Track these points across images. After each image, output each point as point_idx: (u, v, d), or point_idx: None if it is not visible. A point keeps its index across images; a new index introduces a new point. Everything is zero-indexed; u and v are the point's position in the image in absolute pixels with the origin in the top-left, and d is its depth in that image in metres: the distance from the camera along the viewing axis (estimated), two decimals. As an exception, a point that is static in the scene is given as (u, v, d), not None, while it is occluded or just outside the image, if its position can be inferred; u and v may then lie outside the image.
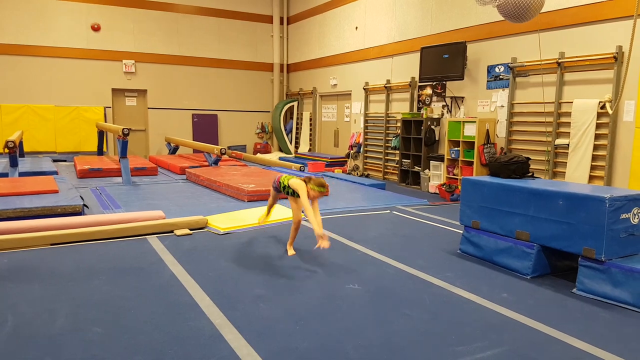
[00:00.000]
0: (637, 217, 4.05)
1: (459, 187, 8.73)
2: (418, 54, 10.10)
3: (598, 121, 7.18)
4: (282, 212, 6.72)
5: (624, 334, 3.35)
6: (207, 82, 15.23)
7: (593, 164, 7.27)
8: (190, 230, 5.81)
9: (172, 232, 5.75)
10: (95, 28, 13.65)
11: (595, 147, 7.23)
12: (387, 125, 11.61)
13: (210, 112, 15.39)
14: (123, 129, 9.20)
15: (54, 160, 12.10)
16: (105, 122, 13.59)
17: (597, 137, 7.22)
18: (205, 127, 15.26)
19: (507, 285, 4.25)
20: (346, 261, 4.84)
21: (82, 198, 6.85)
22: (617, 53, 6.90)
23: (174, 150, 13.89)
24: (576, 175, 7.38)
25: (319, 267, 4.65)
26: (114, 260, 4.70)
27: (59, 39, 13.29)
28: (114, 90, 14.10)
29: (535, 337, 3.25)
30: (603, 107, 7.11)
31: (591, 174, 7.28)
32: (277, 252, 5.11)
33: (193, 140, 14.36)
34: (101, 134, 12.78)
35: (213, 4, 15.03)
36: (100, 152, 12.99)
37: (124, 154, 9.37)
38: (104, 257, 4.82)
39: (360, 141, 12.51)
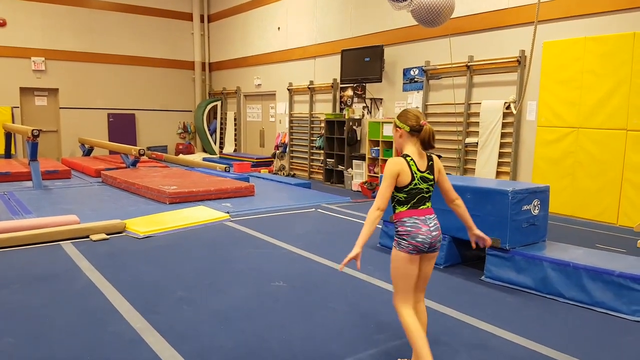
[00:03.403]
0: (537, 208, 4.42)
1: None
2: (339, 56, 10.33)
3: (504, 121, 7.73)
4: (205, 214, 6.65)
5: (526, 315, 3.66)
6: (123, 81, 14.65)
7: (500, 160, 7.82)
8: (107, 235, 5.60)
9: (87, 237, 5.52)
10: (0, 23, 12.72)
11: (502, 145, 7.79)
12: (312, 125, 11.77)
13: (127, 111, 14.82)
14: (32, 130, 8.67)
15: (-47, 165, 11.13)
16: (13, 122, 12.69)
17: (503, 135, 7.77)
18: (122, 127, 14.67)
19: (423, 276, 4.49)
20: (272, 260, 4.89)
21: (-14, 204, 6.40)
22: (520, 57, 7.47)
23: (88, 152, 13.26)
24: (485, 171, 7.90)
25: (244, 267, 4.66)
26: (25, 268, 4.45)
27: (-43, 33, 12.28)
28: (22, 89, 13.22)
29: (448, 322, 3.48)
30: (508, 107, 7.66)
31: (498, 169, 7.83)
32: (200, 254, 5.06)
33: (109, 141, 13.76)
34: (8, 136, 11.92)
35: (128, 0, 14.48)
36: (7, 155, 12.12)
37: (33, 156, 8.84)
38: (14, 265, 4.55)
39: (286, 141, 12.59)
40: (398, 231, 2.61)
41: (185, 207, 7.09)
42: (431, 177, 2.63)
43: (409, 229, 2.57)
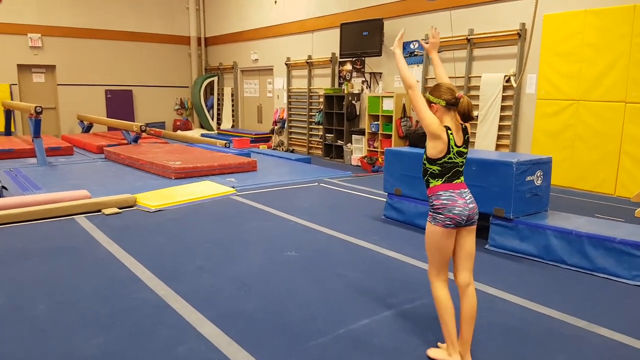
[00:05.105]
0: (540, 179, 4.57)
1: (380, 159, 9.17)
2: (338, 30, 10.32)
3: (504, 94, 7.83)
4: (212, 188, 6.77)
5: (530, 281, 3.84)
6: (120, 56, 14.55)
7: (499, 133, 7.95)
8: (119, 208, 5.73)
9: (99, 211, 5.64)
10: (-5, -2, 12.58)
11: (502, 118, 7.91)
12: (310, 100, 11.81)
13: (124, 87, 14.76)
14: (36, 107, 8.70)
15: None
16: (12, 100, 12.65)
17: (503, 108, 7.88)
18: (119, 103, 14.63)
19: (429, 245, 4.65)
20: (281, 231, 5.04)
21: (-3, 180, 6.49)
22: (520, 30, 7.53)
23: (87, 129, 13.27)
24: (485, 144, 8.03)
25: (255, 238, 4.81)
26: (44, 241, 4.58)
27: (-48, 10, 12.12)
28: (19, 66, 13.12)
29: (454, 288, 3.63)
30: (508, 80, 7.75)
31: (498, 142, 7.97)
32: (211, 226, 5.20)
33: (107, 117, 13.75)
34: (8, 113, 11.89)
35: (124, -26, 14.31)
36: (7, 132, 12.12)
37: (37, 133, 8.90)
38: (33, 238, 4.68)
39: (284, 117, 12.63)
40: (433, 205, 2.56)
41: (190, 182, 7.21)
42: (466, 150, 2.59)
43: (445, 202, 2.51)
